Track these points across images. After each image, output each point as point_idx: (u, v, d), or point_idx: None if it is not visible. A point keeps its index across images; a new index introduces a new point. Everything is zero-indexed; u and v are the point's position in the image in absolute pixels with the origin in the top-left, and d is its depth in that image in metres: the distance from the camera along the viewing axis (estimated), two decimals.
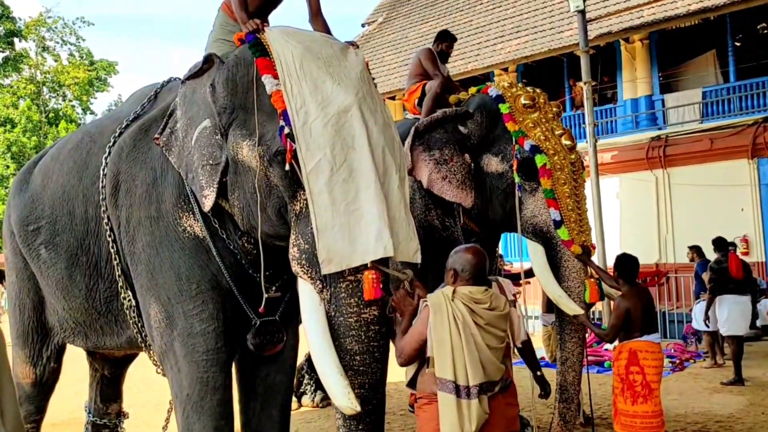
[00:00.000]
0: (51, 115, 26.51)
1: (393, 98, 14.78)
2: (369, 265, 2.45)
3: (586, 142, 9.27)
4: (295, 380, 6.01)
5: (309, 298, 2.59)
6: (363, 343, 2.50)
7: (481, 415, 2.40)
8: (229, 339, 3.00)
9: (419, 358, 2.56)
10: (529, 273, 4.39)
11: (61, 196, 3.54)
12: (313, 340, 2.53)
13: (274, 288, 3.10)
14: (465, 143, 4.36)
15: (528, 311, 3.91)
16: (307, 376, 6.25)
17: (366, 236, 2.45)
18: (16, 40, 26.68)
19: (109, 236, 3.25)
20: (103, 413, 4.51)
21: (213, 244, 2.99)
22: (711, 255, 7.83)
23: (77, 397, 4.91)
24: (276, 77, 2.66)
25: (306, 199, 2.54)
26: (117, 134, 3.34)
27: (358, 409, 2.40)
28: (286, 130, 2.54)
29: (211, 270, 3.01)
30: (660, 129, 12.04)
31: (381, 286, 2.46)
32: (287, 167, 2.53)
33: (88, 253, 3.41)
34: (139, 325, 3.27)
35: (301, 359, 6.21)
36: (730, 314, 7.13)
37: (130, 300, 3.26)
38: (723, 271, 7.19)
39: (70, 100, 27.54)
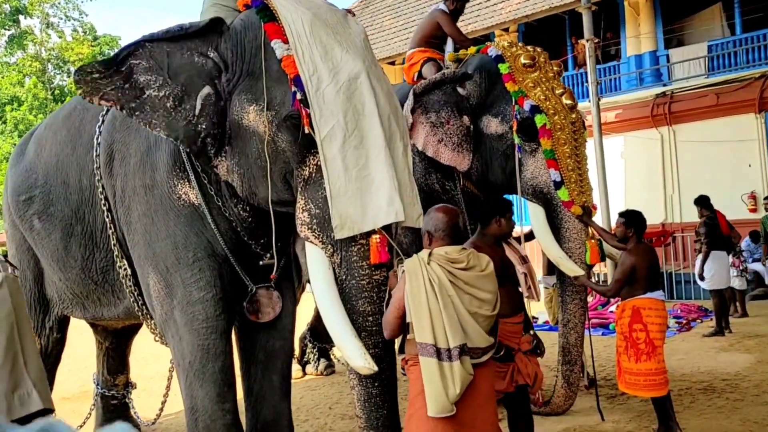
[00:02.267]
0: (56, 92, 26.36)
1: (393, 63, 14.55)
2: (375, 230, 2.50)
3: (589, 101, 9.11)
4: (298, 349, 6.14)
5: (318, 263, 2.63)
6: (375, 303, 2.57)
7: (465, 376, 2.36)
8: (227, 306, 3.03)
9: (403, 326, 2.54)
10: (530, 236, 4.32)
11: (55, 165, 3.54)
12: (325, 304, 2.58)
13: (269, 255, 3.12)
14: (463, 105, 4.28)
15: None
16: (310, 345, 6.29)
17: (377, 202, 2.50)
18: (21, 17, 26.50)
19: (104, 205, 3.25)
20: (110, 385, 4.62)
21: (208, 211, 2.99)
22: (693, 214, 7.89)
23: (87, 371, 5.02)
24: (286, 42, 2.66)
25: (315, 165, 2.59)
26: None
27: (376, 369, 2.46)
28: (299, 96, 2.55)
29: (206, 237, 3.01)
30: (665, 85, 11.81)
31: (386, 249, 2.53)
32: (306, 131, 2.55)
33: (83, 222, 3.42)
34: (136, 293, 3.29)
35: (303, 329, 6.26)
36: (717, 270, 7.31)
37: (126, 269, 3.27)
38: (716, 227, 7.35)
39: None
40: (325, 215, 2.57)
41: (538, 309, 7.96)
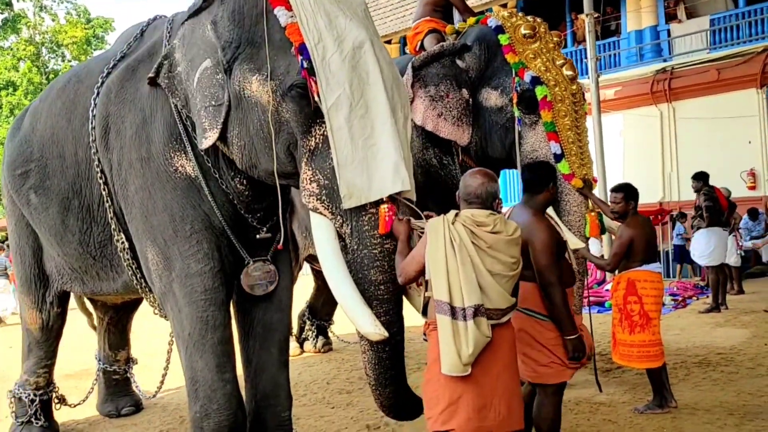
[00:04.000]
0: (51, 76, 26.17)
1: (389, 42, 14.40)
2: (384, 199, 2.50)
3: (588, 78, 9.03)
4: (296, 327, 6.16)
5: (325, 234, 2.64)
6: (386, 272, 2.58)
7: (479, 338, 2.32)
8: (225, 278, 3.04)
9: (418, 279, 2.54)
10: None
11: (51, 138, 3.51)
12: (333, 274, 2.59)
13: (264, 229, 3.14)
14: (462, 78, 4.22)
15: None
16: (308, 322, 6.31)
17: (383, 171, 2.50)
18: (14, 0, 26.27)
19: (101, 179, 3.23)
20: (112, 360, 4.67)
21: (205, 184, 2.98)
22: (691, 192, 7.97)
23: (89, 349, 5.07)
24: (289, 9, 2.63)
25: (321, 135, 2.58)
26: (104, 74, 3.30)
27: (387, 334, 2.49)
28: (306, 65, 2.53)
29: (203, 210, 3.01)
30: (665, 61, 11.71)
31: (394, 218, 2.53)
32: (315, 101, 2.53)
33: (80, 196, 3.41)
34: (134, 266, 3.30)
35: (302, 306, 6.27)
36: (717, 246, 7.34)
37: (123, 242, 3.28)
38: (717, 202, 7.34)
39: (69, 61, 27.17)
40: (334, 186, 2.56)
41: None
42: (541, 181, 3.04)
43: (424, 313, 2.57)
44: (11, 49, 26.30)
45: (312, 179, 2.63)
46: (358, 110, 2.52)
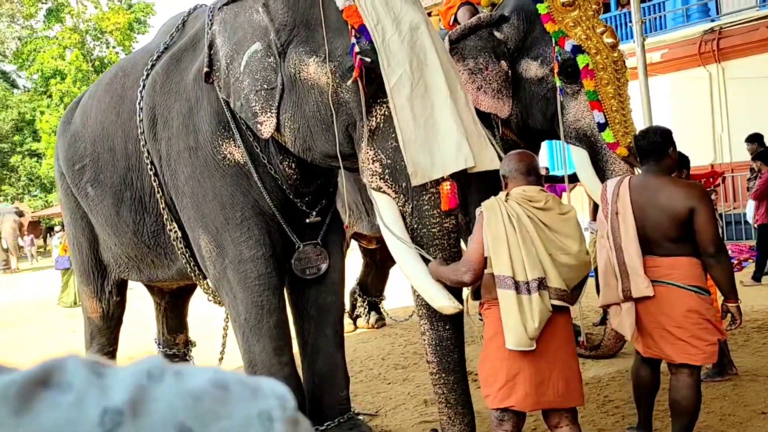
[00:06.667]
0: (97, 63, 26.71)
1: (429, 14, 14.28)
2: (445, 177, 2.54)
3: (633, 42, 8.76)
4: (349, 304, 6.25)
5: (390, 212, 2.67)
6: (446, 250, 2.63)
7: (544, 310, 2.31)
8: (278, 263, 3.09)
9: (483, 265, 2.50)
10: (573, 178, 4.27)
11: (101, 133, 3.60)
12: (402, 251, 2.64)
13: (314, 213, 3.17)
14: (501, 49, 4.18)
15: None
16: (360, 299, 6.36)
17: (445, 149, 2.53)
18: None
19: (151, 170, 3.30)
20: (171, 344, 4.76)
21: (254, 170, 3.02)
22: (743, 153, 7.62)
23: (148, 332, 5.18)
24: None
25: (382, 115, 2.62)
26: (149, 67, 3.35)
27: (461, 307, 2.56)
28: (362, 46, 2.58)
29: (252, 196, 3.05)
30: (713, 21, 11.28)
31: (456, 195, 2.57)
32: (366, 81, 2.58)
33: (131, 188, 3.49)
34: (187, 255, 3.37)
35: (352, 284, 6.35)
36: None
37: (176, 231, 3.35)
38: None
39: (114, 47, 27.66)
40: (397, 165, 2.60)
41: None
42: (664, 146, 2.84)
43: (476, 296, 2.58)
44: (56, 39, 26.70)
45: (375, 159, 2.66)
46: (418, 90, 2.56)
